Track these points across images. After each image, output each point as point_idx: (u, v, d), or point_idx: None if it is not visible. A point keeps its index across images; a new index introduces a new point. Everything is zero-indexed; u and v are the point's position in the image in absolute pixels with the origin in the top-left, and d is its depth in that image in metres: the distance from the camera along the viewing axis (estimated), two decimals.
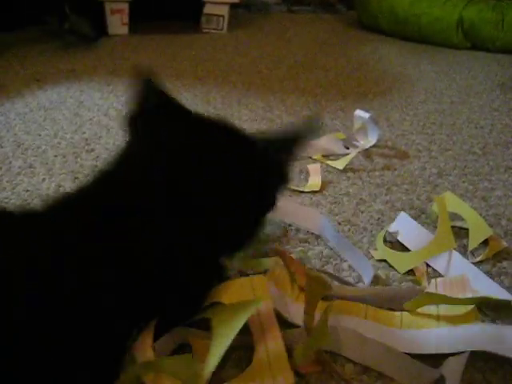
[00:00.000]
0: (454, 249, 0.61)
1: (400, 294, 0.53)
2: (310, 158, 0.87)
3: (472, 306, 0.51)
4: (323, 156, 0.88)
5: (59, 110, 1.03)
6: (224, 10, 1.76)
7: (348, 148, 0.91)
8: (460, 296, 0.52)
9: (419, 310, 0.51)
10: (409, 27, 1.76)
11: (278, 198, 0.51)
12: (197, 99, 1.13)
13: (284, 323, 0.47)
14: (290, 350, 0.44)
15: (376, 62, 1.54)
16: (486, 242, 0.64)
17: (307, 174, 0.81)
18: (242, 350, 0.45)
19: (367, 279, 0.57)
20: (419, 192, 0.78)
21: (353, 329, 0.48)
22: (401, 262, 0.60)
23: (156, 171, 0.45)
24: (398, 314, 0.51)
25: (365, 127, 0.93)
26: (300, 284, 0.53)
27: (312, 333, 0.46)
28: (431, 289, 0.54)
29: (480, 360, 0.47)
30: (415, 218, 0.68)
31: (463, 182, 0.82)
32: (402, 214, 0.68)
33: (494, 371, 0.46)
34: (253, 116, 1.05)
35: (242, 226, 0.49)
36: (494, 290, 0.55)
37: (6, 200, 0.71)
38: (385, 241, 0.65)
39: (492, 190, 0.80)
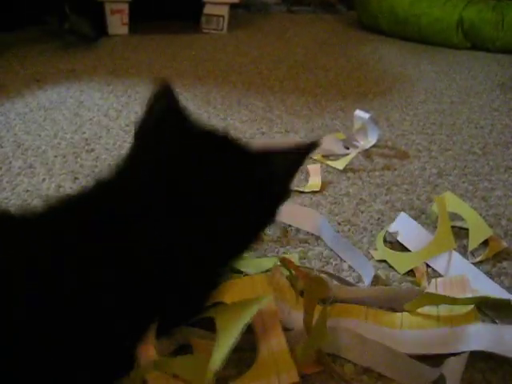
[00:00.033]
0: (454, 249, 0.62)
1: (400, 295, 0.53)
2: (310, 158, 0.87)
3: (472, 306, 0.51)
4: (323, 156, 0.88)
5: (59, 110, 1.03)
6: (224, 11, 1.76)
7: (348, 148, 0.91)
8: (460, 296, 0.52)
9: (419, 310, 0.51)
10: (409, 27, 1.76)
11: (279, 210, 0.50)
12: (197, 99, 1.13)
13: (283, 329, 0.47)
14: (290, 351, 0.44)
15: (376, 62, 1.54)
16: (485, 243, 0.64)
17: (307, 174, 0.81)
18: (242, 350, 0.45)
19: (367, 279, 0.57)
20: (419, 192, 0.78)
21: (352, 330, 0.47)
22: (401, 262, 0.60)
23: (156, 172, 0.45)
24: (398, 314, 0.51)
25: (365, 127, 0.93)
26: (299, 288, 0.52)
27: (311, 333, 0.46)
28: (431, 289, 0.54)
29: (480, 360, 0.47)
30: (415, 219, 0.68)
31: (463, 182, 0.82)
32: (402, 214, 0.68)
33: (494, 371, 0.46)
34: (253, 116, 1.05)
35: (243, 230, 0.48)
36: (493, 290, 0.56)
37: (6, 200, 0.71)
38: (385, 241, 0.65)
39: (492, 190, 0.80)
